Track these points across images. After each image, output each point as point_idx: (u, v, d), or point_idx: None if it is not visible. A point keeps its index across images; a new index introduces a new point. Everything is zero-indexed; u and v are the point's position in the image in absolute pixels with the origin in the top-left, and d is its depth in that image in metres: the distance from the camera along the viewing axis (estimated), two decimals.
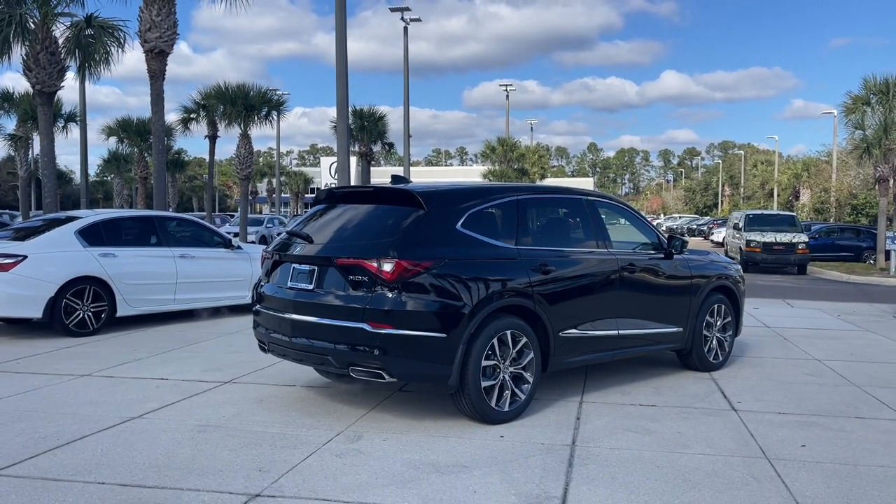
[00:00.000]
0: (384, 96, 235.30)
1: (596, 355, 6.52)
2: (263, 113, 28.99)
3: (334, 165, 61.54)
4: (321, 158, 79.62)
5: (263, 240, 30.95)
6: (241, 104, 28.08)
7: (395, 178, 6.38)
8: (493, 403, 5.58)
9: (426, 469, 4.66)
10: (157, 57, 15.46)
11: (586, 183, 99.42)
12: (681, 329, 7.26)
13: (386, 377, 5.28)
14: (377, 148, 35.01)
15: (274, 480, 4.42)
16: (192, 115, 30.57)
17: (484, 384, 5.51)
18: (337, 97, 15.06)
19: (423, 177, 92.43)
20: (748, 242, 25.32)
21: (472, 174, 65.80)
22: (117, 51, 15.70)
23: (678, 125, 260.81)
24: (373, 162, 35.38)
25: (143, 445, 5.06)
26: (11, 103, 32.02)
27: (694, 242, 50.54)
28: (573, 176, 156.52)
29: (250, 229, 31.52)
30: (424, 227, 5.48)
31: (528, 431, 5.48)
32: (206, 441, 5.17)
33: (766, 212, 31.13)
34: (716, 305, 7.65)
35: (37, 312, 9.07)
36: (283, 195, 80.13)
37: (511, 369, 5.73)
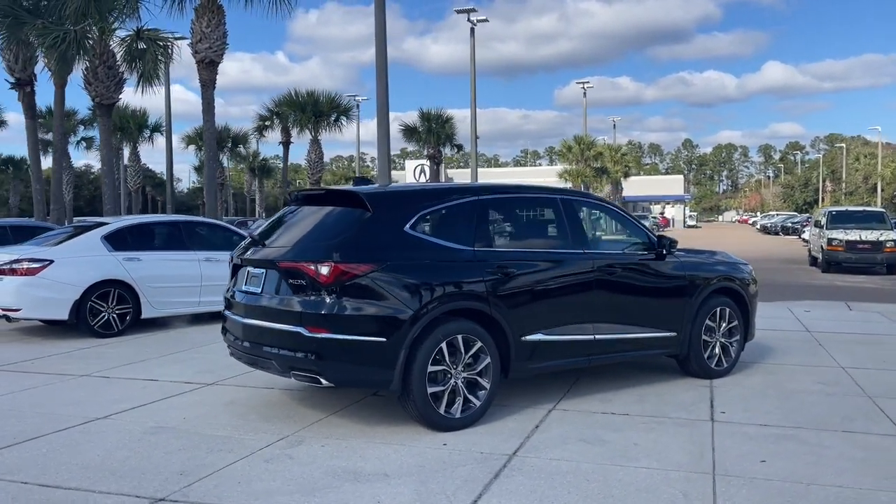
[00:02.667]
0: (466, 98, 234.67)
1: (568, 361, 6.25)
2: (332, 118, 29.56)
3: (419, 168, 62.42)
4: (406, 162, 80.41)
5: None
6: (311, 111, 28.76)
7: (358, 180, 6.33)
8: (441, 410, 5.42)
9: (345, 477, 4.57)
10: (208, 67, 15.98)
11: (675, 181, 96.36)
12: (674, 334, 6.88)
13: (323, 381, 5.23)
14: (447, 150, 35.07)
15: (187, 485, 4.44)
16: (266, 123, 31.52)
17: (431, 390, 5.37)
18: (377, 101, 15.15)
19: (490, 177, 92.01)
20: (830, 241, 23.86)
21: (545, 174, 65.04)
22: (167, 62, 16.31)
23: (782, 118, 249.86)
24: (452, 165, 35.57)
25: (88, 446, 5.19)
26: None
27: (786, 241, 48.26)
28: (667, 173, 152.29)
29: None
30: (367, 230, 5.40)
31: (475, 439, 5.30)
32: (150, 443, 5.25)
33: (851, 208, 29.36)
34: (718, 309, 7.20)
35: (63, 314, 9.52)
36: None
37: (464, 375, 5.56)
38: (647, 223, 53.42)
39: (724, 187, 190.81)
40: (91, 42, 15.29)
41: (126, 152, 33.86)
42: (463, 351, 5.52)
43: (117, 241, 10.07)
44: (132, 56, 15.98)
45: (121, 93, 15.92)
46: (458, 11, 30.70)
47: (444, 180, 71.32)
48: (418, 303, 5.29)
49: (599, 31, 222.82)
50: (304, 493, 4.32)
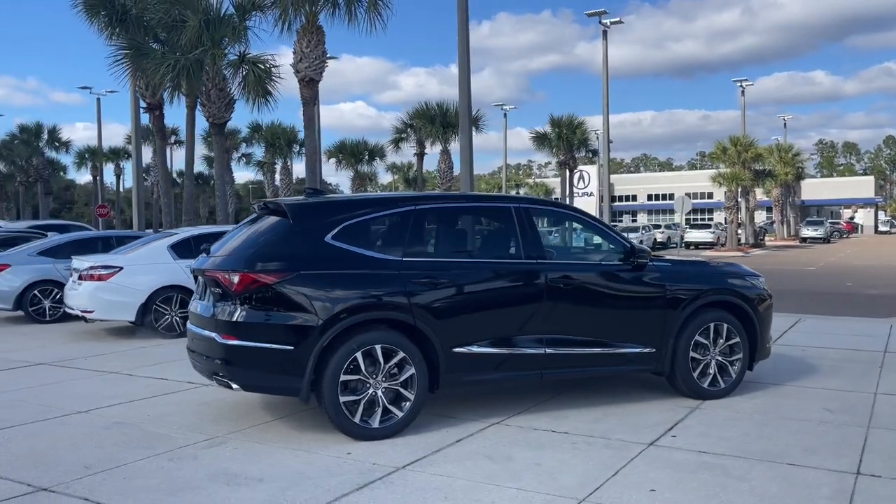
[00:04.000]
0: (639, 100, 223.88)
1: (510, 374, 6.03)
2: None
3: (577, 174, 61.22)
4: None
5: None
6: (440, 122, 29.36)
7: (310, 192, 6.48)
8: (357, 419, 5.45)
9: (221, 479, 4.74)
10: (309, 85, 16.88)
11: (865, 182, 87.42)
12: (652, 350, 6.42)
13: (234, 386, 5.46)
14: (581, 155, 34.41)
15: (79, 477, 4.80)
16: (402, 135, 32.56)
17: (344, 399, 5.41)
18: (460, 110, 15.28)
19: (637, 183, 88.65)
20: None
21: (697, 178, 61.65)
22: (268, 83, 17.39)
23: None
24: (623, 170, 34.76)
25: (43, 437, 5.74)
26: (260, 134, 36.69)
27: None
28: (865, 174, 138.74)
29: None
30: (284, 240, 5.56)
31: (383, 450, 5.27)
32: (95, 436, 5.72)
33: None
34: (713, 324, 6.62)
35: (130, 316, 10.48)
36: None
37: (385, 385, 5.55)
38: (821, 229, 48.73)
39: None
40: (206, 67, 16.69)
41: (279, 167, 36.62)
42: (382, 361, 5.51)
43: (182, 249, 10.92)
44: (243, 79, 17.26)
45: (231, 112, 17.28)
46: (589, 14, 30.11)
47: (597, 186, 69.82)
48: (328, 312, 5.36)
49: (789, 23, 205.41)
50: (169, 492, 4.54)
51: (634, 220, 75.01)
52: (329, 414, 5.42)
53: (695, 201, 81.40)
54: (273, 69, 17.03)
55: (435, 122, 29.35)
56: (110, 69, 16.88)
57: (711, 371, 6.66)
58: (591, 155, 35.38)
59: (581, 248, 6.76)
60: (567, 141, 32.13)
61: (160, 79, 16.03)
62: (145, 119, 19.02)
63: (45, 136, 47.63)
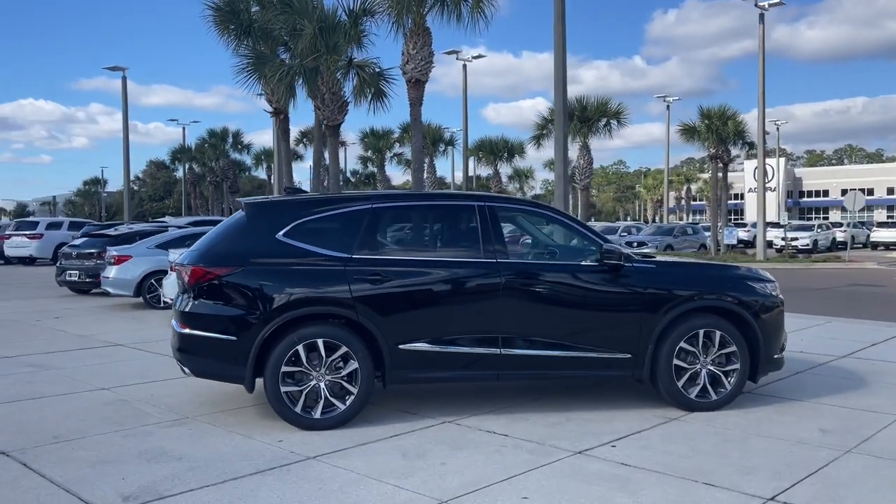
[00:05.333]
0: (847, 86, 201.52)
1: (461, 373, 5.97)
2: (602, 124, 29.32)
3: (757, 169, 57.62)
4: (744, 162, 74.70)
5: None
6: (577, 118, 28.83)
7: (289, 190, 6.76)
8: (298, 409, 5.66)
9: (145, 457, 5.12)
10: (415, 86, 17.31)
11: None
12: (627, 355, 6.08)
13: (186, 371, 5.88)
14: (736, 150, 32.27)
15: (39, 445, 5.38)
16: (542, 131, 32.26)
17: (285, 389, 5.64)
18: (555, 107, 15.03)
19: (830, 177, 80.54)
20: None
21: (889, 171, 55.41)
22: (382, 85, 18.00)
23: None
24: (823, 162, 32.59)
25: (51, 407, 6.48)
26: (409, 134, 37.90)
27: None
28: None
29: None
30: (237, 236, 5.89)
31: (311, 440, 5.43)
32: (91, 411, 6.36)
33: None
34: (702, 330, 6.15)
35: None
36: (697, 202, 77.80)
37: (329, 378, 5.72)
38: None
39: None
40: (321, 72, 17.61)
41: (426, 164, 37.56)
42: (325, 355, 5.68)
43: None
44: (358, 83, 18.05)
45: (345, 114, 18.11)
46: None
47: (782, 179, 64.84)
48: (270, 305, 5.62)
49: None
50: (92, 464, 4.99)
51: (826, 217, 69.11)
52: (271, 403, 5.68)
53: None
54: (378, 71, 17.66)
55: (573, 117, 28.78)
56: (236, 78, 18.43)
57: (701, 381, 6.19)
58: (747, 148, 32.99)
59: (549, 247, 6.50)
60: (717, 133, 30.20)
61: (275, 85, 17.21)
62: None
63: (230, 139, 52.14)
